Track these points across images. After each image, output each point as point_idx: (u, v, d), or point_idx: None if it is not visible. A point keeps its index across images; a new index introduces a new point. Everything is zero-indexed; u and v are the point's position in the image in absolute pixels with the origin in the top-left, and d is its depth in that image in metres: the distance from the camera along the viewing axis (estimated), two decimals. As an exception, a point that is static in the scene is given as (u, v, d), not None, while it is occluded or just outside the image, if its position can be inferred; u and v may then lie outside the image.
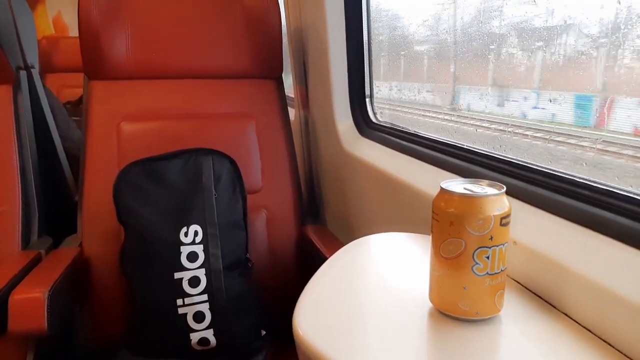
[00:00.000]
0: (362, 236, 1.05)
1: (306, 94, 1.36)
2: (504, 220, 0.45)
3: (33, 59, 1.33)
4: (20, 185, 1.11)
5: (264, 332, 0.98)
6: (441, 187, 0.48)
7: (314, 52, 1.25)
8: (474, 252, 0.46)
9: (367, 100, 1.14)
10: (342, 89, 1.15)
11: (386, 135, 1.02)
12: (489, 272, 0.46)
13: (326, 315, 0.51)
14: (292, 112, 1.43)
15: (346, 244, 1.04)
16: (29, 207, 1.13)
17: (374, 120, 1.12)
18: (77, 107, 2.07)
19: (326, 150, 1.25)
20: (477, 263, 0.46)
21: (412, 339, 0.47)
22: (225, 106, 1.22)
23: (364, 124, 1.12)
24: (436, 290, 0.49)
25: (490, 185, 0.48)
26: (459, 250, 0.46)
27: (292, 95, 1.48)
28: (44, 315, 0.83)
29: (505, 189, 0.47)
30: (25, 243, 1.10)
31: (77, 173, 1.54)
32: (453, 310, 0.48)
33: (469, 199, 0.46)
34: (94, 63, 1.15)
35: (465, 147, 0.77)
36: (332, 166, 1.21)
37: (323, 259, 0.95)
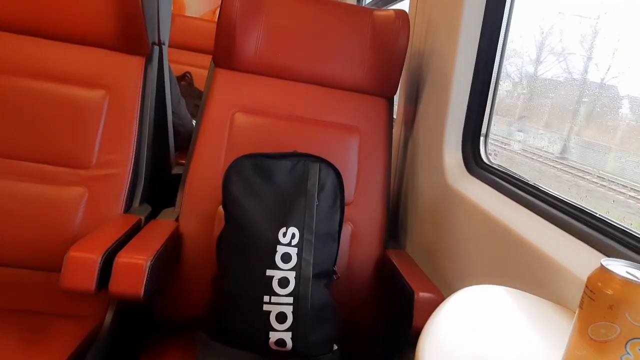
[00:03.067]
0: (449, 272, 1.03)
1: (412, 117, 1.36)
2: (670, 317, 0.43)
3: (165, 36, 1.42)
4: (134, 152, 1.18)
5: (335, 347, 0.98)
6: (602, 265, 0.46)
7: (433, 78, 1.25)
8: (628, 341, 0.44)
9: (482, 138, 1.11)
10: (457, 122, 1.13)
11: (498, 179, 1.00)
12: (638, 366, 0.44)
13: (450, 358, 0.50)
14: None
15: (428, 274, 1.04)
16: (137, 174, 1.20)
17: (485, 160, 1.09)
18: (179, 83, 2.19)
19: (425, 178, 1.24)
20: (628, 353, 0.44)
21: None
22: (335, 116, 1.24)
23: (474, 162, 1.10)
24: (573, 368, 0.48)
25: (654, 274, 0.46)
26: (611, 335, 0.44)
27: (395, 114, 1.47)
28: (143, 282, 0.87)
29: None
30: (128, 207, 1.17)
31: (178, 147, 1.63)
32: (588, 393, 0.46)
33: (634, 286, 0.44)
34: (224, 52, 1.21)
35: (597, 215, 0.73)
36: (429, 196, 1.20)
37: (405, 288, 0.95)
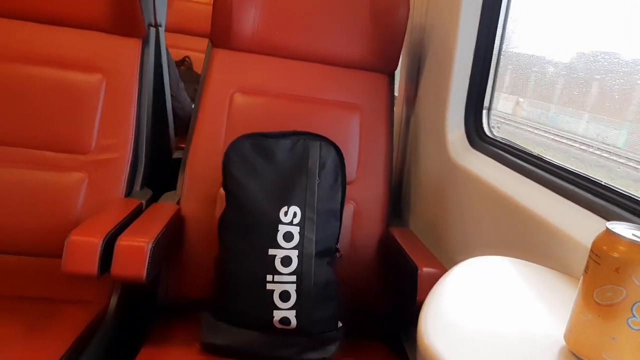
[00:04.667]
0: (453, 248, 1.02)
1: (414, 93, 1.34)
2: (679, 278, 0.42)
3: (162, 17, 1.40)
4: (133, 136, 1.17)
5: (340, 324, 0.98)
6: (607, 228, 0.45)
7: (435, 53, 1.22)
8: (635, 304, 0.43)
9: (485, 112, 1.09)
10: (460, 97, 1.11)
11: (502, 152, 0.98)
12: (646, 329, 0.43)
13: (452, 332, 0.49)
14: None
15: (432, 251, 1.03)
16: (137, 158, 1.19)
17: (489, 134, 1.07)
18: (178, 68, 2.17)
19: (428, 155, 1.22)
20: (634, 316, 0.43)
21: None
22: (335, 94, 1.23)
23: (477, 137, 1.08)
24: (578, 333, 0.47)
25: (660, 236, 0.44)
26: (617, 298, 0.43)
27: (396, 92, 1.45)
28: (145, 264, 0.87)
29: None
30: (128, 191, 1.17)
31: (178, 132, 1.62)
32: (594, 358, 0.45)
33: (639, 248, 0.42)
34: (221, 32, 1.19)
35: (602, 183, 0.72)
36: (433, 172, 1.19)
37: (409, 264, 0.95)
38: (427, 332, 0.48)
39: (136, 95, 1.19)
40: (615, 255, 0.43)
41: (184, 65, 2.31)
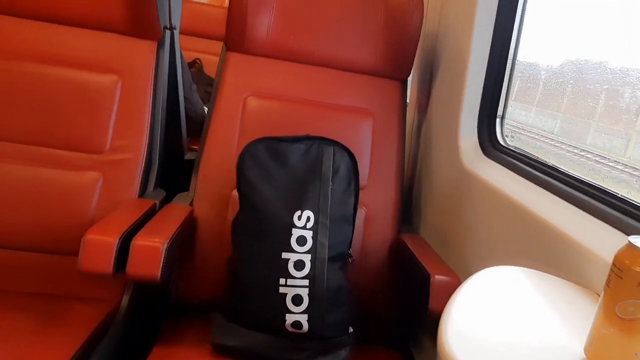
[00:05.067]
0: (465, 256, 1.03)
1: (427, 100, 1.34)
2: (703, 295, 0.42)
3: (176, 20, 1.41)
4: (147, 136, 1.18)
5: (351, 329, 0.98)
6: (629, 242, 0.45)
7: (448, 60, 1.23)
8: (657, 319, 0.43)
9: (498, 120, 1.10)
10: (473, 105, 1.12)
11: (515, 161, 0.98)
12: (667, 344, 0.43)
13: (472, 342, 0.50)
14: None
15: (443, 258, 1.03)
16: (150, 158, 1.20)
17: (502, 142, 1.08)
18: (189, 70, 2.18)
19: (441, 162, 1.22)
20: (656, 331, 0.43)
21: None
22: (348, 99, 1.23)
23: (490, 145, 1.09)
24: (599, 347, 0.47)
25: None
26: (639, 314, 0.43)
27: (408, 99, 1.46)
28: (159, 264, 0.88)
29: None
30: (142, 191, 1.17)
31: (190, 133, 1.63)
32: (615, 372, 0.45)
33: (664, 263, 0.43)
34: (236, 36, 1.20)
35: (619, 195, 0.72)
36: (445, 180, 1.19)
37: (421, 271, 0.95)
38: (447, 341, 0.48)
39: (151, 96, 1.20)
40: (638, 270, 0.44)
41: (194, 67, 2.32)
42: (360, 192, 1.16)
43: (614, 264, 0.46)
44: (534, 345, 0.50)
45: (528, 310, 0.58)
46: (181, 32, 2.86)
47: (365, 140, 1.21)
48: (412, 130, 1.42)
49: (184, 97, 1.57)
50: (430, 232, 1.24)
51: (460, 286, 0.60)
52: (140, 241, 0.89)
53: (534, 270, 0.68)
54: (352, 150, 1.06)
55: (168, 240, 0.90)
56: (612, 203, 0.72)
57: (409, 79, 1.30)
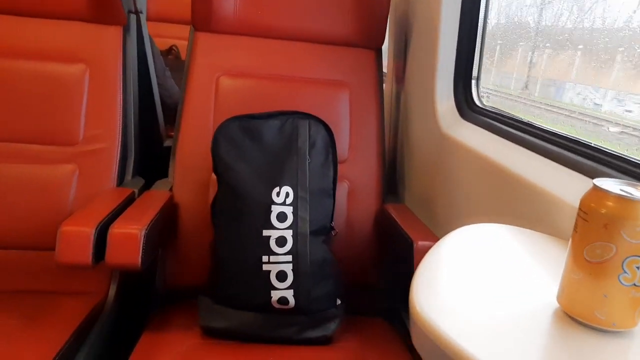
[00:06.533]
0: (451, 221, 1.02)
1: (403, 69, 1.32)
2: (667, 231, 0.42)
3: (142, 4, 1.37)
4: (121, 124, 1.16)
5: (339, 302, 0.98)
6: (594, 185, 0.45)
7: (420, 26, 1.21)
8: (625, 259, 0.42)
9: (474, 82, 1.08)
10: (447, 68, 1.10)
11: (491, 121, 0.97)
12: (636, 284, 0.43)
13: (444, 298, 0.49)
14: (385, 84, 1.40)
15: (428, 225, 1.03)
16: (126, 147, 1.18)
17: (478, 103, 1.07)
18: (166, 57, 2.14)
19: (419, 129, 1.21)
20: (625, 272, 0.43)
21: (536, 337, 0.45)
22: (323, 72, 1.21)
23: (467, 107, 1.08)
24: (570, 293, 0.47)
25: (649, 191, 0.44)
26: (607, 255, 0.43)
27: (385, 69, 1.44)
28: (139, 251, 0.87)
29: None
30: (120, 181, 1.16)
31: (168, 120, 1.61)
32: (587, 317, 0.45)
33: (629, 202, 0.42)
34: (202, 15, 1.17)
35: (592, 145, 0.71)
36: (425, 146, 1.18)
37: (404, 238, 0.95)
38: (419, 301, 0.48)
39: (121, 83, 1.18)
40: (603, 211, 0.43)
41: (171, 54, 2.27)
42: (342, 166, 1.15)
43: (580, 208, 0.45)
44: (508, 298, 0.50)
45: (502, 264, 0.57)
46: (155, 19, 2.80)
47: (343, 113, 1.20)
48: (392, 100, 1.40)
49: (158, 84, 1.54)
50: (415, 200, 1.23)
51: (433, 246, 0.59)
52: (117, 229, 0.88)
53: (510, 226, 0.67)
54: (330, 123, 1.04)
55: (146, 227, 0.89)
56: (580, 150, 0.72)
57: (385, 48, 1.28)
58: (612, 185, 0.44)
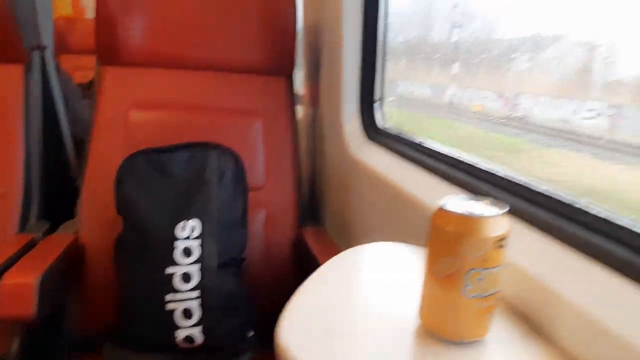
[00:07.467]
0: (360, 243, 1.03)
1: (316, 93, 1.35)
2: (500, 243, 0.44)
3: (48, 39, 1.33)
4: (23, 167, 1.11)
5: (251, 333, 0.96)
6: (439, 205, 0.46)
7: (328, 50, 1.24)
8: (467, 273, 0.44)
9: (376, 104, 1.12)
10: (353, 91, 1.13)
11: (392, 142, 1.00)
12: (480, 295, 0.44)
13: (311, 327, 0.49)
14: (301, 110, 1.42)
15: (343, 248, 1.03)
16: (29, 190, 1.13)
17: (380, 125, 1.10)
18: (88, 90, 2.07)
19: (331, 152, 1.23)
20: (468, 285, 0.44)
21: (393, 357, 0.45)
22: (234, 101, 1.21)
23: (371, 129, 1.10)
24: (426, 308, 0.48)
25: (493, 205, 0.46)
26: (451, 269, 0.44)
27: (302, 93, 1.46)
28: (33, 301, 0.82)
29: (506, 209, 0.45)
30: (22, 226, 1.10)
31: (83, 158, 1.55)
32: (440, 330, 0.46)
33: (466, 219, 0.44)
34: (108, 47, 1.15)
35: (470, 162, 0.75)
36: (336, 169, 1.20)
37: (317, 264, 0.94)
38: (283, 334, 0.47)
39: (23, 124, 1.13)
40: (447, 228, 0.45)
41: (93, 87, 2.21)
42: (259, 193, 1.14)
43: (431, 225, 0.47)
44: (374, 319, 0.50)
45: (375, 284, 0.58)
46: (76, 52, 2.72)
47: (257, 141, 1.20)
48: (307, 125, 1.42)
49: (73, 119, 1.49)
50: (334, 223, 1.24)
51: (314, 273, 0.59)
52: (9, 280, 0.83)
53: (396, 243, 0.68)
54: (243, 152, 1.04)
55: (42, 275, 0.84)
56: (467, 170, 0.75)
57: (299, 74, 1.30)
58: (457, 203, 0.46)
